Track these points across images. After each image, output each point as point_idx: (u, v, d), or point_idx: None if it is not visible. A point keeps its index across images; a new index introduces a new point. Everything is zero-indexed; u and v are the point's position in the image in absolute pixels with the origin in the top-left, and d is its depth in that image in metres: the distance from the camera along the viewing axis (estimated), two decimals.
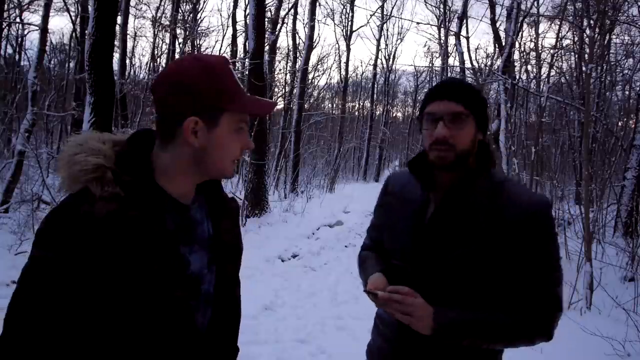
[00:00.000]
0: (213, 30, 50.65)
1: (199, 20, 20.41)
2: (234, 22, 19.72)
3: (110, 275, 0.89)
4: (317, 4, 17.56)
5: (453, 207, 1.31)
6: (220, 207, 1.15)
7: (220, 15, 60.77)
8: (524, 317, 1.26)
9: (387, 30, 30.81)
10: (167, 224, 0.99)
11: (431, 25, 22.52)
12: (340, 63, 26.40)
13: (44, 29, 9.34)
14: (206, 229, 1.10)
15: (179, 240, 1.02)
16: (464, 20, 15.32)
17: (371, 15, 27.18)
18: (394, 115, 40.17)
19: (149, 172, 1.00)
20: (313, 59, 21.81)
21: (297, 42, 19.72)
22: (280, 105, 19.50)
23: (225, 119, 1.01)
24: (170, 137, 1.00)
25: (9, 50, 20.60)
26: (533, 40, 13.96)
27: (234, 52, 19.49)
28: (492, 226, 1.25)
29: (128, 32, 14.20)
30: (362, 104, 36.84)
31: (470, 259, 1.27)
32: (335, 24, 33.79)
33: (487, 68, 18.54)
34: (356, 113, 36.57)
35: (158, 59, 20.07)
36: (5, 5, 12.15)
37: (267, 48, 13.33)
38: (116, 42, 8.53)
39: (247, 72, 9.89)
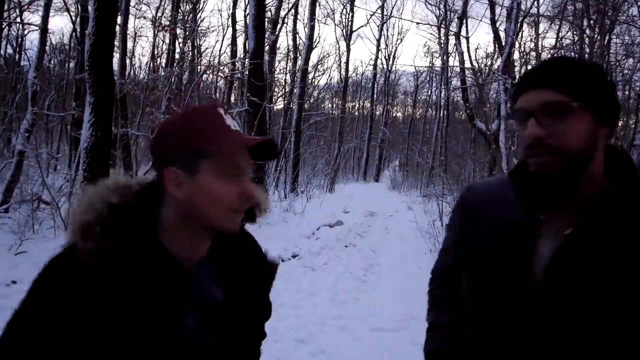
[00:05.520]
0: (213, 30, 50.66)
1: (199, 20, 20.42)
2: (234, 22, 19.74)
3: (91, 325, 0.89)
4: (317, 4, 17.58)
5: (590, 247, 0.89)
6: (237, 268, 1.06)
7: (220, 15, 60.87)
8: None
9: (387, 30, 30.81)
10: (159, 282, 0.94)
11: (431, 25, 22.51)
12: (340, 63, 26.43)
13: (44, 29, 9.34)
14: (208, 292, 1.02)
15: (171, 300, 0.95)
16: (464, 20, 15.33)
17: (371, 15, 27.19)
18: (394, 115, 40.19)
19: (144, 227, 0.96)
20: (313, 59, 21.85)
21: (297, 42, 19.73)
22: (280, 105, 19.52)
23: (206, 165, 0.93)
24: (162, 191, 0.97)
25: (9, 50, 20.63)
26: (533, 40, 13.99)
27: (234, 52, 19.50)
28: None
29: (128, 32, 14.19)
30: (362, 104, 36.87)
31: (625, 330, 0.86)
32: (335, 24, 33.79)
33: (487, 68, 18.57)
34: (356, 113, 36.60)
35: (158, 59, 20.08)
36: (5, 5, 12.15)
37: (267, 48, 13.34)
38: (116, 42, 8.53)
39: (247, 72, 9.89)
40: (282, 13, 17.16)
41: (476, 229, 1.07)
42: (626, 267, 0.86)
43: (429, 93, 33.51)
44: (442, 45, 19.31)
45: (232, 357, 1.07)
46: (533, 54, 12.82)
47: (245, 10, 18.36)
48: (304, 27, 17.78)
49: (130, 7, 14.10)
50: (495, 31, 13.45)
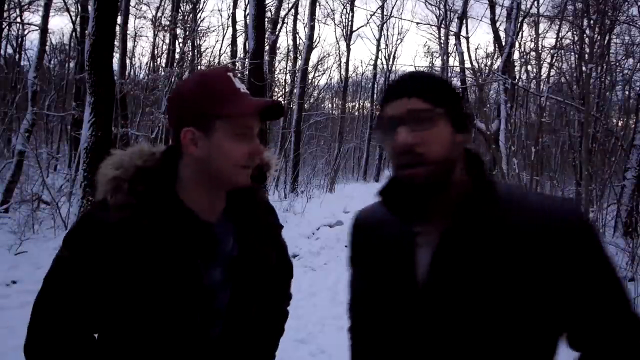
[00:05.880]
0: (213, 30, 50.63)
1: (199, 20, 20.41)
2: (234, 22, 19.73)
3: (122, 276, 0.98)
4: (317, 4, 17.58)
5: (458, 252, 0.95)
6: (251, 224, 1.14)
7: (220, 15, 60.80)
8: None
9: (387, 30, 30.83)
10: (182, 235, 1.01)
11: (431, 25, 22.51)
12: (340, 63, 26.43)
13: (44, 29, 9.35)
14: (229, 246, 1.09)
15: (195, 253, 1.03)
16: (464, 20, 15.35)
17: (371, 16, 27.21)
18: None
19: (166, 184, 1.04)
20: (313, 59, 21.86)
21: (297, 42, 19.74)
22: None
23: (220, 125, 1.00)
24: (179, 150, 1.05)
25: (9, 50, 20.63)
26: (533, 40, 13.98)
27: (234, 52, 19.50)
28: (519, 263, 0.91)
29: (128, 32, 14.20)
30: (362, 104, 36.85)
31: (501, 324, 0.91)
32: (335, 24, 33.74)
33: (487, 68, 18.57)
34: (356, 113, 36.59)
35: (158, 59, 20.07)
36: (5, 5, 12.15)
37: (267, 48, 13.34)
38: (116, 42, 8.53)
39: (247, 72, 9.89)
40: (282, 13, 17.17)
41: (364, 254, 1.11)
42: (491, 265, 0.92)
43: None
44: (442, 45, 19.33)
45: (253, 310, 1.14)
46: (533, 54, 12.82)
47: (245, 10, 18.36)
48: (304, 27, 17.80)
49: (130, 7, 14.10)
50: (495, 31, 13.46)
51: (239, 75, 0.97)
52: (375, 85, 30.66)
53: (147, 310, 0.99)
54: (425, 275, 0.96)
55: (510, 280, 0.90)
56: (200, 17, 21.04)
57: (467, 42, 14.98)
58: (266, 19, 12.21)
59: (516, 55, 13.96)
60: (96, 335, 1.07)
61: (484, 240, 0.93)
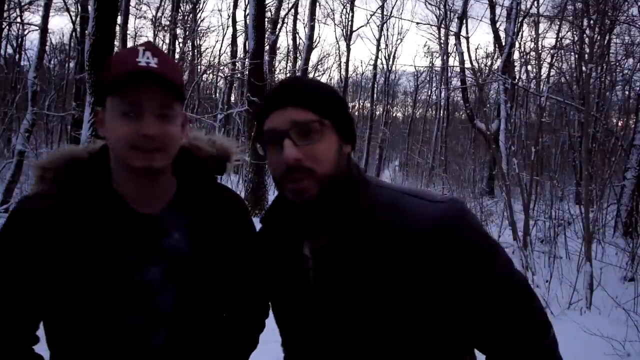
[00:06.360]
0: (213, 31, 50.64)
1: (199, 20, 20.43)
2: (234, 22, 19.74)
3: (45, 268, 0.93)
4: (317, 4, 17.58)
5: (335, 267, 0.92)
6: (207, 219, 1.04)
7: (220, 15, 60.87)
8: None
9: (387, 30, 30.79)
10: (109, 227, 0.95)
11: (431, 25, 22.50)
12: (340, 63, 26.46)
13: (44, 29, 9.34)
14: (176, 241, 1.00)
15: (124, 247, 0.95)
16: (464, 20, 15.34)
17: (371, 16, 27.20)
18: (394, 115, 40.16)
19: (95, 174, 0.98)
20: (313, 59, 21.89)
21: (297, 42, 19.77)
22: None
23: (109, 102, 0.94)
24: None
25: (9, 50, 20.63)
26: (533, 40, 13.99)
27: (234, 52, 19.50)
28: (389, 269, 0.88)
29: (128, 32, 14.21)
30: (362, 104, 36.87)
31: (389, 327, 0.89)
32: (335, 24, 33.77)
33: (487, 68, 18.59)
34: (356, 113, 36.61)
35: None
36: (5, 5, 12.15)
37: (267, 48, 13.34)
38: (116, 42, 8.53)
39: (247, 72, 9.89)
40: (282, 13, 17.19)
41: (269, 273, 1.06)
42: (365, 275, 0.89)
43: (429, 93, 33.54)
44: (442, 45, 19.33)
45: (204, 316, 1.03)
46: (533, 54, 12.82)
47: (245, 10, 18.37)
48: (304, 27, 17.80)
49: (130, 7, 14.11)
50: (495, 31, 13.47)
51: (158, 48, 0.86)
52: (375, 86, 30.66)
53: (72, 306, 0.92)
54: (314, 290, 0.95)
55: (384, 287, 0.88)
56: (200, 17, 21.08)
57: (467, 42, 15.00)
58: (266, 19, 12.20)
59: (516, 55, 13.98)
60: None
61: (357, 252, 0.90)
